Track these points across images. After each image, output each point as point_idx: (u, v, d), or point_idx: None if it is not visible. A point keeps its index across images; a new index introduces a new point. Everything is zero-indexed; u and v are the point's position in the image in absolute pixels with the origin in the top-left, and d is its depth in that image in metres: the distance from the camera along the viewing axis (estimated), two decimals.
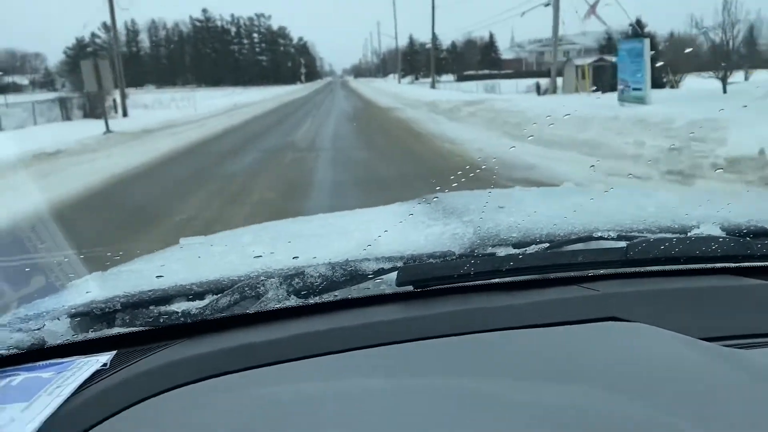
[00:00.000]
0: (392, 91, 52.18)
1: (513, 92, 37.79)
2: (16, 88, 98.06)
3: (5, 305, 1.20)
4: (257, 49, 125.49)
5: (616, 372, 0.75)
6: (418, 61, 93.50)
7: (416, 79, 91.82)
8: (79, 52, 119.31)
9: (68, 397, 0.75)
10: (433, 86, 52.09)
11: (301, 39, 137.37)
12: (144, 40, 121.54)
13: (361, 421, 0.67)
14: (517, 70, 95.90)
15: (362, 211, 1.72)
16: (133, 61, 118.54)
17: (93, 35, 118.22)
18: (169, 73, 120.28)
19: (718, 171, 7.66)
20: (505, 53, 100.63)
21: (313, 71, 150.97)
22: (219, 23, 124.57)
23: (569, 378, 0.74)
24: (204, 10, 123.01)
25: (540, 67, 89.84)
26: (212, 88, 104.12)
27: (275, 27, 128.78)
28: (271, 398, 0.74)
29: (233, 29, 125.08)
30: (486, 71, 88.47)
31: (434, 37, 50.85)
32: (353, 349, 0.84)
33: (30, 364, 0.85)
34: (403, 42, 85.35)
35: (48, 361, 0.85)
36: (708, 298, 1.00)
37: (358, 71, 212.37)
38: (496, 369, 0.78)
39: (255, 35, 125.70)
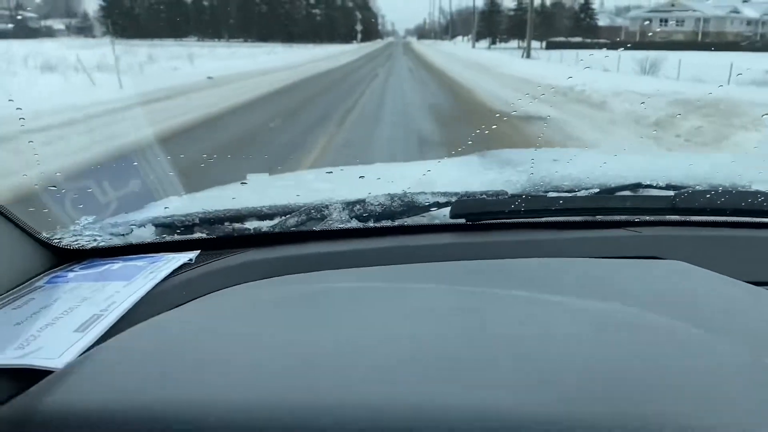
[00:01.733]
0: (471, 59, 39.42)
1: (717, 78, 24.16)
2: (50, 33, 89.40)
3: (107, 204, 1.32)
4: (311, 1, 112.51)
5: (655, 301, 0.77)
6: (496, 22, 79.22)
7: (493, 43, 77.75)
8: None
9: (160, 281, 0.90)
10: (527, 55, 38.71)
11: None
12: None
13: (405, 312, 0.74)
14: (614, 39, 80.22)
15: (419, 162, 1.76)
16: (175, 9, 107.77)
17: None
18: (213, 25, 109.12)
19: None
20: (601, 19, 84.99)
21: (372, 30, 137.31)
22: None
23: (605, 299, 0.76)
24: None
25: (646, 37, 74.18)
26: (260, 43, 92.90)
27: None
28: (330, 291, 0.83)
29: None
30: (578, 39, 73.50)
31: None
32: (405, 263, 0.92)
33: (126, 256, 1.01)
34: None
35: (142, 255, 1.01)
36: (751, 246, 1.04)
37: (422, 32, 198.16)
38: (537, 286, 0.82)
39: None
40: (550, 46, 66.73)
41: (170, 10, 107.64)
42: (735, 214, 1.10)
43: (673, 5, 73.96)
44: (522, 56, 41.91)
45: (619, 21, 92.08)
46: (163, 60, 25.08)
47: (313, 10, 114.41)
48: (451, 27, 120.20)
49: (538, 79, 20.72)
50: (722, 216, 1.10)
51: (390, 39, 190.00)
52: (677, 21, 73.64)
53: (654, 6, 75.38)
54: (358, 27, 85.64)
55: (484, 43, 76.36)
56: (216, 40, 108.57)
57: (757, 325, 0.71)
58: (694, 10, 72.56)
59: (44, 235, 0.99)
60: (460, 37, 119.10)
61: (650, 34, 73.84)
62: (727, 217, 1.10)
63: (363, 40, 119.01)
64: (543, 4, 77.43)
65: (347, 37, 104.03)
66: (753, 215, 1.11)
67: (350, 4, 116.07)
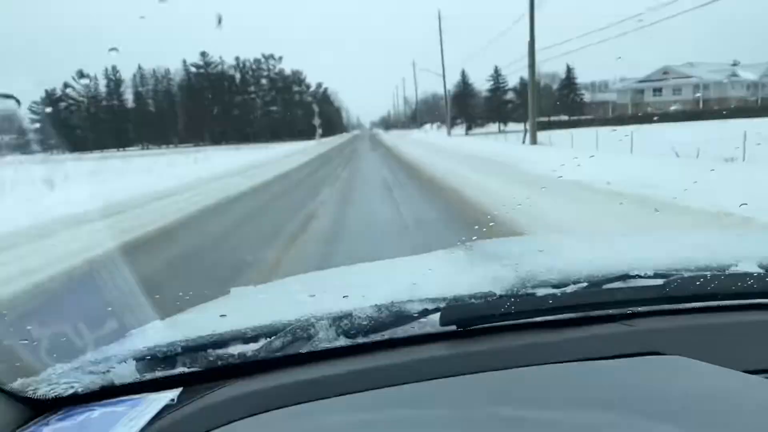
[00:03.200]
0: (458, 150, 30.35)
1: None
2: None
3: (83, 346, 1.30)
4: (266, 98, 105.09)
5: (659, 403, 0.77)
6: (471, 105, 71.54)
7: (469, 128, 69.64)
8: (49, 107, 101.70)
9: (142, 428, 0.85)
10: (533, 140, 29.41)
11: (320, 85, 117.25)
12: (127, 92, 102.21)
13: None
14: (601, 115, 72.78)
15: (404, 258, 1.75)
16: (117, 117, 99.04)
17: (65, 85, 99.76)
18: (160, 130, 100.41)
19: None
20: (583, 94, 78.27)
21: (335, 123, 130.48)
22: (220, 68, 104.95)
23: (613, 408, 0.76)
24: (203, 54, 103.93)
25: (639, 110, 66.66)
26: (212, 146, 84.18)
27: (288, 71, 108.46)
28: (324, 429, 0.80)
29: (238, 75, 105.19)
30: (562, 117, 65.73)
31: (532, 46, 28.38)
32: (400, 384, 0.90)
33: (105, 401, 0.97)
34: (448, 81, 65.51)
35: (121, 398, 0.97)
36: (746, 332, 1.04)
37: (388, 123, 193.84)
38: (540, 401, 0.81)
39: (263, 81, 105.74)
40: (540, 126, 58.56)
41: (113, 119, 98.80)
42: (727, 298, 1.10)
43: (665, 73, 67.09)
44: (523, 142, 32.69)
45: (602, 95, 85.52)
46: (104, 173, 24.27)
47: (270, 108, 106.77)
48: (418, 115, 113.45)
49: (600, 183, 10.95)
50: (714, 301, 1.11)
51: (356, 132, 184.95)
52: (673, 89, 66.56)
53: (645, 76, 68.50)
54: (316, 121, 77.12)
55: (458, 129, 68.51)
56: (165, 145, 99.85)
57: (758, 422, 0.71)
58: (690, 77, 65.65)
59: (16, 385, 0.97)
60: (428, 125, 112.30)
61: (647, 105, 66.47)
62: (719, 301, 1.10)
63: (326, 134, 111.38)
64: (521, 82, 70.34)
65: (308, 133, 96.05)
66: (744, 298, 1.11)
67: (309, 99, 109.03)
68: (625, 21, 34.17)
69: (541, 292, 1.13)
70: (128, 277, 3.48)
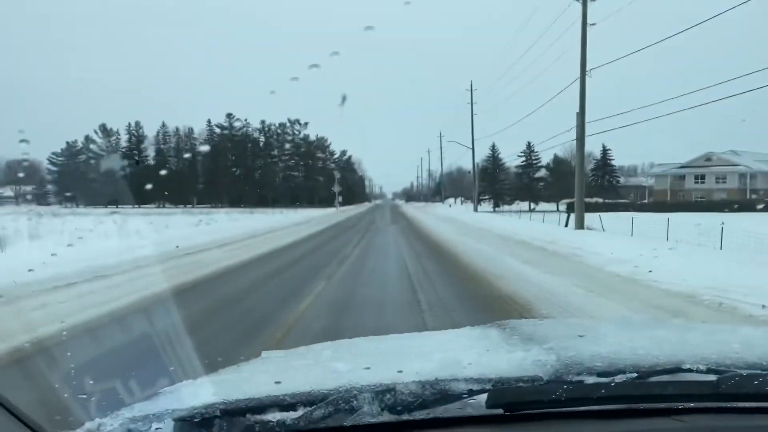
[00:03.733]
0: (493, 230, 26.44)
1: None
2: None
3: (131, 404, 1.26)
4: (289, 163, 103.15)
5: None
6: (500, 181, 68.17)
7: (497, 205, 65.98)
8: (69, 160, 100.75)
9: None
10: (580, 225, 25.57)
11: (344, 153, 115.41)
12: (149, 148, 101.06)
13: None
14: (635, 200, 68.86)
15: (435, 333, 1.78)
16: (137, 175, 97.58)
17: (87, 139, 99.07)
18: (178, 189, 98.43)
19: None
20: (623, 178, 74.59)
21: (357, 192, 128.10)
22: (245, 130, 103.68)
23: None
24: (229, 115, 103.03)
25: (680, 196, 62.63)
26: (230, 208, 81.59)
27: (313, 137, 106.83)
28: None
29: (262, 139, 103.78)
30: (597, 200, 61.90)
31: (582, 117, 24.90)
32: None
33: None
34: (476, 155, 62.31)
35: None
36: None
37: (410, 195, 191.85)
38: None
39: (287, 145, 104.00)
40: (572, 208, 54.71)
41: (132, 175, 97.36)
42: None
43: (708, 159, 63.34)
44: (566, 225, 28.74)
45: (633, 180, 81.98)
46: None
47: (292, 173, 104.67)
48: (442, 188, 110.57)
49: (740, 300, 7.05)
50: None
51: (378, 201, 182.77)
52: (717, 177, 62.60)
53: (687, 162, 64.80)
54: (336, 188, 74.25)
55: (484, 206, 64.91)
56: (183, 205, 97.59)
57: None
58: (736, 164, 61.76)
59: None
60: (451, 200, 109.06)
61: (687, 192, 62.50)
62: None
63: (347, 202, 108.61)
64: (555, 159, 66.93)
65: (329, 200, 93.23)
66: None
67: (331, 166, 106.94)
68: (663, 102, 31.72)
69: (588, 379, 1.10)
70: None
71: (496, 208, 66.02)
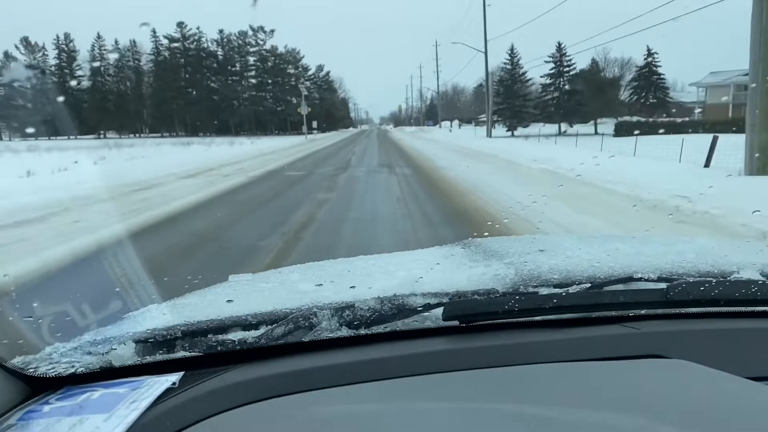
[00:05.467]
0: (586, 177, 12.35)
1: None
2: None
3: (86, 327, 1.29)
4: (254, 81, 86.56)
5: (659, 406, 0.80)
6: (518, 97, 52.77)
7: (512, 130, 51.19)
8: None
9: (144, 411, 0.87)
10: (754, 170, 10.99)
11: (321, 68, 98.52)
12: (83, 67, 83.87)
13: None
14: (686, 118, 53.95)
15: (403, 253, 1.80)
16: (71, 100, 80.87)
17: (7, 56, 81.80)
18: (122, 117, 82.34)
19: None
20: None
21: (340, 116, 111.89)
22: (199, 43, 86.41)
23: (613, 409, 0.79)
24: (180, 25, 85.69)
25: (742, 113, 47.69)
26: (187, 138, 66.67)
27: (282, 49, 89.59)
28: (323, 418, 0.83)
29: (221, 53, 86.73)
30: (637, 118, 47.35)
31: None
32: (401, 377, 0.93)
33: (106, 382, 0.98)
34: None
35: (122, 379, 0.98)
36: (750, 338, 1.07)
37: (398, 120, 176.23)
38: (539, 399, 0.83)
39: (251, 59, 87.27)
40: (622, 130, 40.18)
41: (67, 102, 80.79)
42: (729, 304, 1.12)
43: None
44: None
45: (683, 95, 66.55)
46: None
47: (257, 93, 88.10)
48: (437, 110, 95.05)
49: None
50: (717, 306, 1.12)
51: (364, 127, 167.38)
52: None
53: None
54: (304, 110, 58.50)
55: (500, 129, 50.18)
56: (129, 135, 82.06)
57: (761, 428, 0.74)
58: None
59: (16, 362, 0.98)
60: (447, 123, 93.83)
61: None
62: (721, 307, 1.13)
63: (327, 128, 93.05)
64: (593, 64, 51.61)
65: (303, 126, 77.97)
66: (747, 305, 1.13)
67: (306, 84, 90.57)
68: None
69: (543, 291, 1.14)
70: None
71: (513, 133, 51.47)
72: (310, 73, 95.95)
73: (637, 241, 1.81)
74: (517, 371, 0.92)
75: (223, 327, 1.09)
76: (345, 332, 1.07)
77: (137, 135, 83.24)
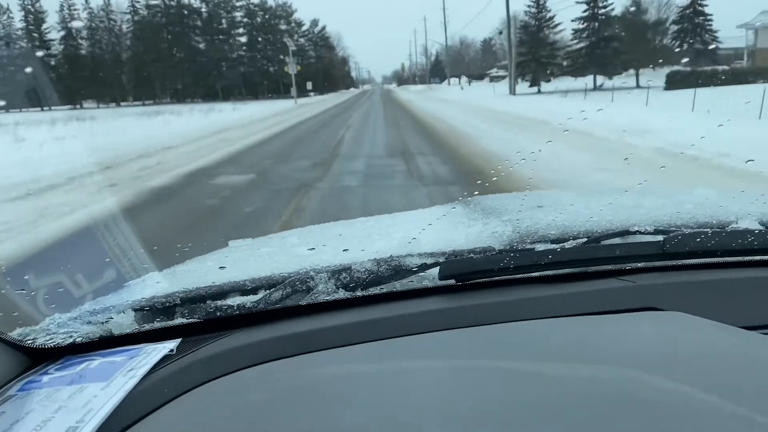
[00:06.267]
0: None
1: None
2: None
3: (82, 297, 1.30)
4: (241, 40, 78.48)
5: (656, 357, 0.80)
6: (546, 45, 45.00)
7: (537, 85, 43.74)
8: None
9: (141, 378, 0.87)
10: None
11: (316, 23, 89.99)
12: (52, 31, 76.07)
13: (405, 397, 0.76)
14: (736, 66, 46.56)
15: (402, 213, 1.80)
16: (43, 67, 73.29)
17: None
18: (99, 84, 74.92)
19: None
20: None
21: (338, 75, 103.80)
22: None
23: (611, 362, 0.79)
24: None
25: None
26: (174, 104, 59.72)
27: (271, 2, 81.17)
28: (320, 380, 0.84)
29: (204, 9, 78.60)
30: (684, 67, 39.81)
31: None
32: (397, 336, 0.93)
33: (104, 351, 0.99)
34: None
35: (120, 348, 0.99)
36: (746, 288, 1.06)
37: (401, 79, 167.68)
38: (537, 354, 0.84)
39: (238, 15, 79.07)
40: (676, 82, 32.96)
41: (39, 69, 73.25)
42: (726, 254, 1.12)
43: None
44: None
45: (727, 40, 58.32)
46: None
47: (246, 54, 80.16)
48: (447, 66, 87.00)
49: None
50: (713, 257, 1.12)
51: (366, 87, 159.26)
52: None
53: None
54: (291, 68, 50.67)
55: (521, 84, 42.62)
56: (109, 104, 74.94)
57: (757, 377, 0.75)
58: None
59: (15, 335, 0.99)
60: (455, 80, 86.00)
61: None
62: (718, 258, 1.12)
63: (325, 89, 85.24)
64: (633, 5, 43.66)
65: (299, 89, 70.35)
66: (744, 254, 1.13)
67: (301, 41, 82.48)
68: None
69: (540, 247, 1.14)
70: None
71: (538, 87, 44.05)
72: (304, 29, 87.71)
73: (636, 194, 1.79)
74: (512, 327, 0.93)
75: (221, 293, 1.09)
76: (342, 294, 1.07)
77: (117, 104, 76.02)
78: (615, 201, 1.61)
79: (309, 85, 62.71)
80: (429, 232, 1.35)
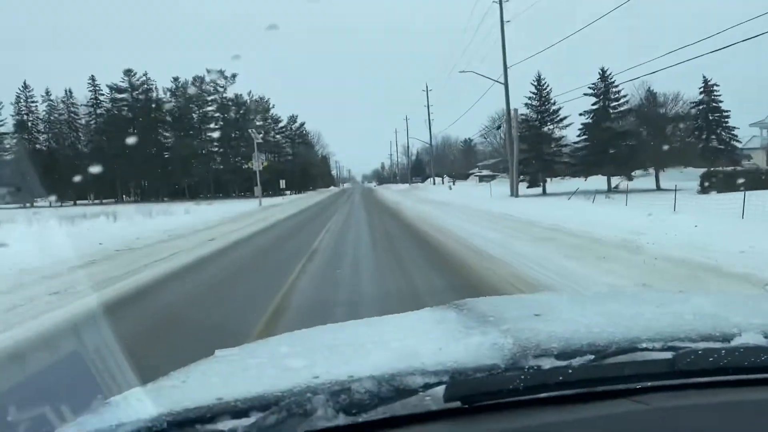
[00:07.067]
0: None
1: None
2: None
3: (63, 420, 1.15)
4: (212, 135, 73.46)
5: None
6: (550, 141, 39.88)
7: (537, 185, 38.45)
8: None
9: None
10: None
11: (294, 119, 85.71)
12: (6, 121, 70.76)
13: None
14: (737, 167, 42.06)
15: (393, 317, 1.80)
16: None
17: None
18: (56, 180, 68.79)
19: None
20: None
21: (317, 173, 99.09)
22: (147, 90, 73.98)
23: None
24: (128, 72, 73.33)
25: None
26: (137, 203, 53.68)
27: (246, 97, 76.90)
28: None
29: (174, 104, 74.08)
30: (715, 167, 35.25)
31: None
32: None
33: None
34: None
35: None
36: (761, 409, 1.05)
37: (381, 177, 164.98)
38: None
39: (209, 108, 74.45)
40: (717, 183, 27.83)
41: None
42: (738, 372, 1.11)
43: None
44: None
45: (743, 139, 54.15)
46: None
47: (216, 149, 75.08)
48: (432, 165, 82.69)
49: None
50: (725, 375, 1.11)
51: (346, 185, 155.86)
52: None
53: None
54: (256, 163, 44.33)
55: (500, 187, 37.10)
56: (63, 202, 68.55)
57: None
58: None
59: None
60: (437, 179, 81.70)
61: None
62: (729, 376, 1.11)
63: (302, 187, 79.94)
64: (649, 101, 39.01)
65: (271, 187, 64.60)
66: (756, 372, 1.12)
67: (277, 138, 77.85)
68: None
69: (544, 363, 1.12)
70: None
71: (539, 188, 38.69)
72: (281, 125, 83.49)
73: (631, 301, 1.81)
74: None
75: (210, 416, 1.03)
76: (342, 420, 1.03)
77: (74, 203, 69.62)
78: (612, 310, 1.62)
79: (282, 183, 57.10)
80: (425, 342, 1.33)
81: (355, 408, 1.03)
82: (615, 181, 36.24)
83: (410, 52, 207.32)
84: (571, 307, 1.76)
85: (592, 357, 1.13)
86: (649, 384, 1.10)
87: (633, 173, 36.64)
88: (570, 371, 1.07)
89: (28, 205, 64.96)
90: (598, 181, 36.96)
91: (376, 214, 27.07)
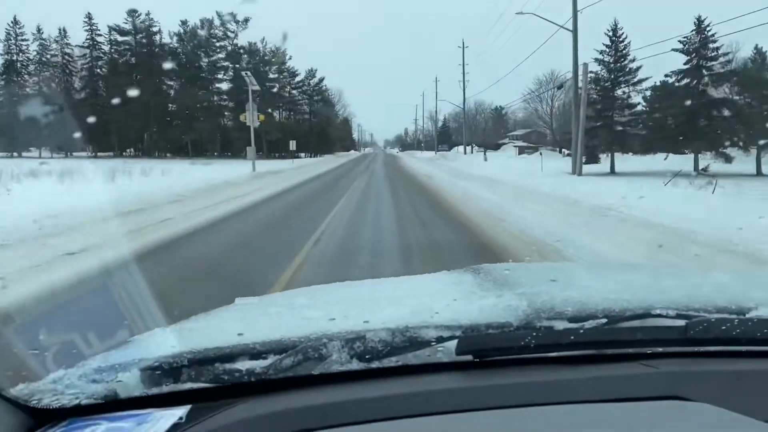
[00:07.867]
0: None
1: None
2: None
3: (92, 354, 1.28)
4: (220, 87, 66.14)
5: None
6: (623, 107, 32.09)
7: (592, 159, 30.84)
8: None
9: None
10: None
11: (312, 74, 77.81)
12: None
13: None
14: None
15: (410, 277, 1.82)
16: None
17: None
18: (50, 131, 62.15)
19: None
20: None
21: (337, 135, 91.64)
22: (151, 33, 66.76)
23: None
24: (132, 13, 66.06)
25: None
26: (138, 159, 47.61)
27: (259, 45, 69.35)
28: None
29: (179, 49, 66.82)
30: None
31: None
32: (413, 416, 0.93)
33: (110, 414, 0.97)
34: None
35: (127, 412, 0.97)
36: None
37: (404, 144, 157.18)
38: None
39: (219, 55, 67.12)
40: None
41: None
42: (751, 343, 1.11)
43: None
44: None
45: None
46: None
47: (226, 102, 67.86)
48: (465, 132, 74.87)
49: None
50: (737, 346, 1.11)
51: (368, 150, 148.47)
52: None
53: None
54: (250, 117, 37.10)
55: (557, 159, 29.11)
56: (58, 154, 62.33)
57: None
58: None
59: (19, 393, 0.98)
60: (460, 148, 73.90)
61: None
62: (742, 347, 1.11)
63: (318, 151, 72.84)
64: (758, 60, 31.01)
65: (282, 148, 57.61)
66: (767, 344, 1.12)
67: (294, 94, 70.42)
68: None
69: (557, 324, 1.13)
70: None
71: (601, 165, 31.18)
72: (297, 79, 75.92)
73: (650, 273, 1.77)
74: (532, 413, 0.92)
75: (230, 355, 1.07)
76: (356, 365, 1.05)
77: (68, 154, 63.31)
78: (629, 279, 1.58)
79: (292, 145, 49.92)
80: (441, 299, 1.33)
81: (369, 355, 1.04)
82: (703, 162, 28.65)
83: (444, 7, 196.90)
84: (589, 275, 1.76)
85: (605, 321, 1.13)
86: (660, 350, 1.10)
87: (730, 153, 28.92)
88: (581, 332, 1.07)
89: (15, 155, 59.11)
90: (676, 160, 29.41)
91: (404, 195, 19.42)
